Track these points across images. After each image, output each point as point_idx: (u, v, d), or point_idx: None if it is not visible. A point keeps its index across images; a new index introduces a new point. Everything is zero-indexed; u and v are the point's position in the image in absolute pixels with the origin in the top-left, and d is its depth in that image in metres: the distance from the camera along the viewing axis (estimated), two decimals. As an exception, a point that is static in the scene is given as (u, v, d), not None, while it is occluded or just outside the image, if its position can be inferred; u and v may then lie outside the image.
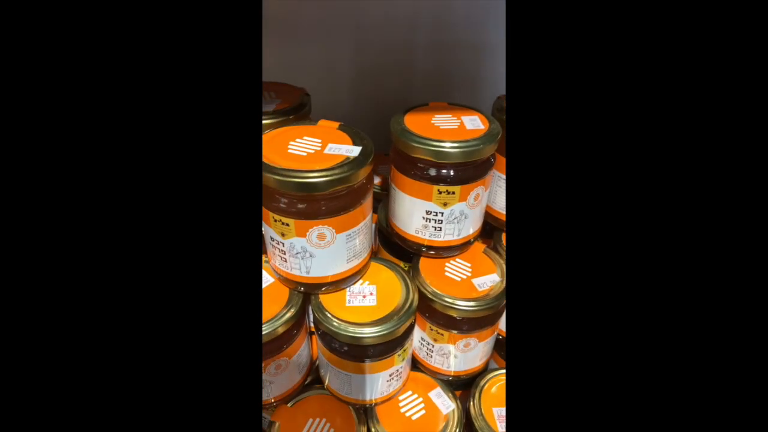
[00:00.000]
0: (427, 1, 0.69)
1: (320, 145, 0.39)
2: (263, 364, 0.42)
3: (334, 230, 0.38)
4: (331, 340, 0.43)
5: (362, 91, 0.74)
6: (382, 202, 0.56)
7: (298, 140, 0.39)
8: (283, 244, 0.39)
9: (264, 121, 0.43)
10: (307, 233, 0.37)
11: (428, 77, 0.75)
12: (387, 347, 0.43)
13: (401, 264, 0.51)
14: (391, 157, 0.45)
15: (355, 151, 0.38)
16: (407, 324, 0.42)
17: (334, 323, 0.41)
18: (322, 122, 0.42)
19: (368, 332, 0.40)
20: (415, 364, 0.53)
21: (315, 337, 0.50)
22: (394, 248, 0.54)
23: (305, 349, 0.48)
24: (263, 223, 0.40)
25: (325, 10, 0.67)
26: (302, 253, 0.39)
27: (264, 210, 0.38)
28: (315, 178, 0.35)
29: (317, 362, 0.51)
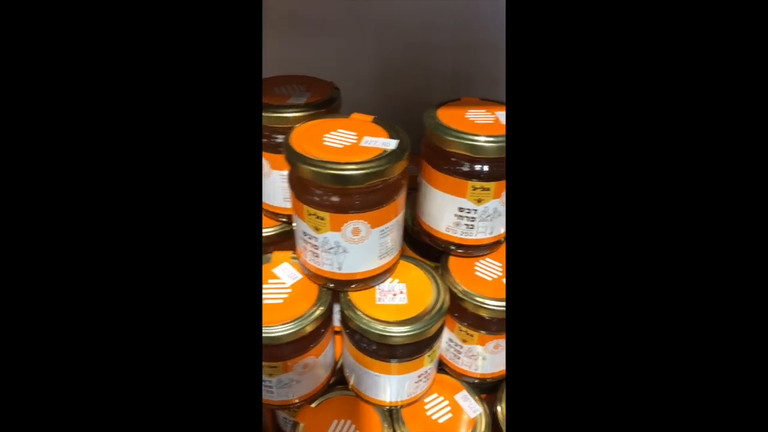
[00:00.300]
0: (448, 0, 0.69)
1: (356, 137, 0.38)
2: (291, 363, 0.41)
3: (369, 225, 0.37)
4: (361, 338, 0.42)
5: (383, 90, 0.73)
6: (408, 201, 0.55)
7: (332, 133, 0.38)
8: (316, 239, 0.38)
9: (295, 114, 0.42)
10: (342, 227, 0.36)
11: (449, 77, 0.74)
12: (417, 347, 0.42)
13: (427, 262, 0.50)
14: (422, 153, 0.44)
15: (392, 144, 0.37)
16: (439, 324, 0.41)
17: (365, 321, 0.40)
18: (355, 115, 0.42)
19: (399, 331, 0.39)
20: (440, 366, 0.52)
21: (338, 337, 0.49)
22: (420, 247, 0.53)
23: (331, 348, 0.47)
24: (296, 217, 0.39)
25: (346, 8, 0.67)
26: (335, 248, 0.38)
27: (298, 204, 0.37)
28: (353, 171, 0.34)
29: (340, 362, 0.50)
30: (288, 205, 0.47)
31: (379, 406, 0.47)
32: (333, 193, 0.35)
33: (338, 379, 0.51)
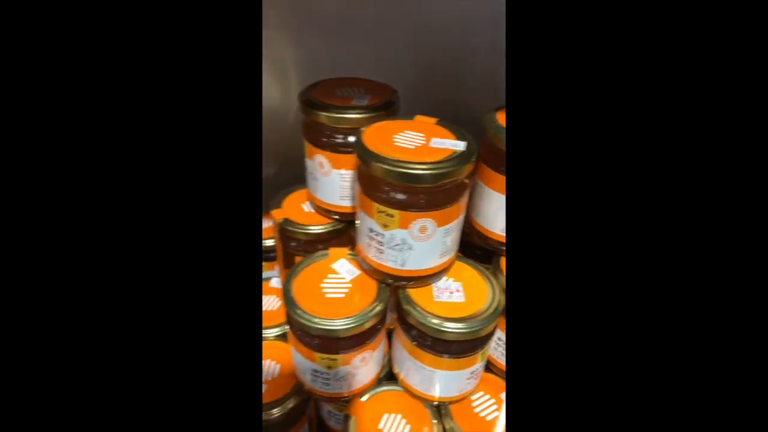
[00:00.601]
0: (487, 4, 0.70)
1: (424, 138, 0.39)
2: (350, 356, 0.43)
3: (435, 223, 0.38)
4: (419, 333, 0.43)
5: (421, 92, 0.75)
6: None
7: (401, 134, 0.40)
8: (383, 235, 0.39)
9: (357, 116, 0.44)
10: (410, 225, 0.38)
11: (487, 80, 0.76)
12: (473, 344, 0.43)
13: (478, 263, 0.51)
14: (481, 155, 0.45)
15: (461, 145, 0.38)
16: (495, 323, 0.42)
17: (424, 316, 0.41)
18: (418, 118, 0.43)
19: (457, 327, 0.41)
20: (486, 365, 0.53)
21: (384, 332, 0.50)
22: (465, 247, 0.54)
23: (383, 343, 0.48)
24: (363, 214, 0.40)
25: (385, 10, 0.68)
26: (401, 245, 0.39)
27: (368, 201, 0.39)
28: (427, 170, 0.35)
29: (386, 358, 0.52)
30: (343, 203, 0.49)
31: (428, 402, 0.48)
32: (404, 191, 0.37)
33: (385, 375, 0.52)
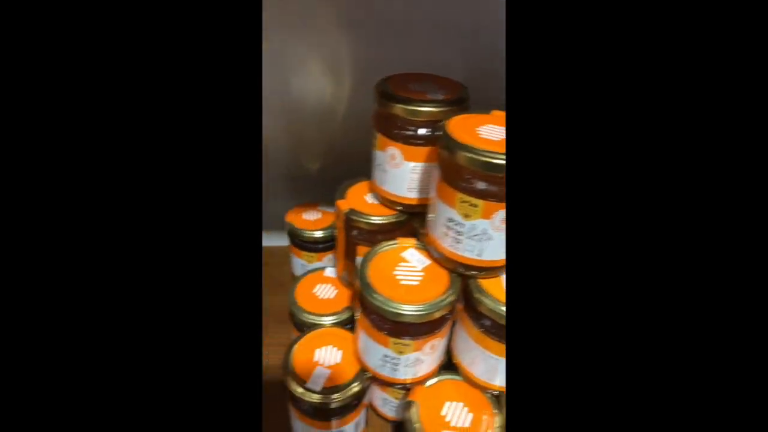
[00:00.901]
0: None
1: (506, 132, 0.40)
2: (421, 342, 0.44)
3: (517, 214, 0.39)
4: (490, 322, 0.44)
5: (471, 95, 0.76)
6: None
7: (483, 127, 0.41)
8: (463, 225, 0.40)
9: (434, 109, 0.45)
10: (493, 215, 0.39)
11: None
12: (541, 334, 0.44)
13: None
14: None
15: (544, 139, 0.39)
16: (563, 313, 0.44)
17: (497, 304, 0.42)
18: (495, 112, 0.44)
19: (528, 318, 0.42)
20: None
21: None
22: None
23: (449, 332, 0.49)
24: (442, 204, 0.42)
25: (436, 11, 0.69)
26: (481, 235, 0.40)
27: (450, 191, 0.40)
28: (516, 162, 0.36)
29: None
30: (410, 195, 0.50)
31: (489, 391, 0.49)
32: (489, 181, 0.38)
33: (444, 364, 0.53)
